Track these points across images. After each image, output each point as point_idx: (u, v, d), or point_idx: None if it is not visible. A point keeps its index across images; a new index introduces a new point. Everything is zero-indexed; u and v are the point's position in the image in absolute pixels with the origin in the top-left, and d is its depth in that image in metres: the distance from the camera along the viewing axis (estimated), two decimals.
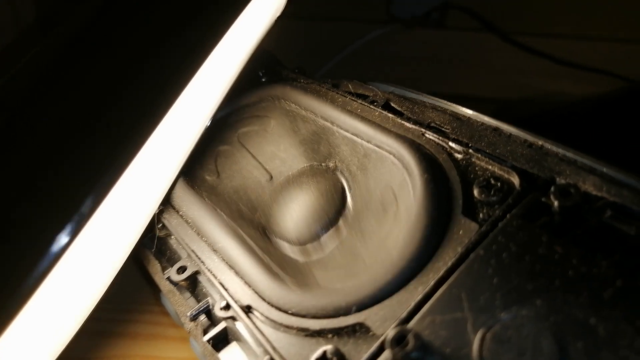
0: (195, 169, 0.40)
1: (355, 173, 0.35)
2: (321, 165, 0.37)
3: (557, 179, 0.27)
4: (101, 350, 0.40)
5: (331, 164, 0.37)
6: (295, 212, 0.35)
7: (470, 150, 0.30)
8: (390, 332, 0.20)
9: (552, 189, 0.24)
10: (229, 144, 0.42)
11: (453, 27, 0.70)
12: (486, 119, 0.33)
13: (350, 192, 0.35)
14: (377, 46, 0.67)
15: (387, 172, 0.32)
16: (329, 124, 0.36)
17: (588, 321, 0.19)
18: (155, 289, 0.36)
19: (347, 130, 0.35)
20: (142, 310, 0.42)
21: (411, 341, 0.20)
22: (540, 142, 0.30)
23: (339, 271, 0.31)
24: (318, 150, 0.38)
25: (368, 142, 0.33)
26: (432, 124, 0.33)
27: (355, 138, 0.34)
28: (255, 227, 0.35)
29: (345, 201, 0.35)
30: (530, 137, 0.30)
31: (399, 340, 0.20)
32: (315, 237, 0.33)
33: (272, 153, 0.40)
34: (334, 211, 0.34)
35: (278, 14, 0.43)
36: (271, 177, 0.39)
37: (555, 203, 0.24)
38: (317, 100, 0.37)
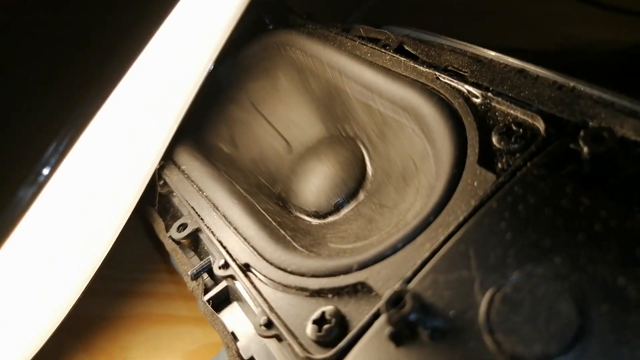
0: (207, 133, 0.38)
1: (374, 140, 0.33)
2: (341, 134, 0.35)
3: (590, 123, 0.23)
4: (117, 308, 0.40)
5: (351, 133, 0.34)
6: (315, 185, 0.33)
7: (490, 94, 0.26)
8: (386, 293, 0.18)
9: (582, 133, 0.21)
10: (240, 105, 0.39)
11: None
12: (510, 60, 0.30)
13: (370, 161, 0.33)
14: None
15: (408, 140, 0.30)
16: (338, 75, 0.33)
17: (616, 281, 0.16)
18: (162, 248, 0.35)
19: (357, 81, 0.32)
20: (157, 269, 0.42)
21: (408, 302, 0.17)
22: (572, 84, 0.26)
23: (356, 239, 0.29)
24: (334, 112, 0.35)
25: (380, 97, 0.30)
26: (449, 67, 0.30)
27: (367, 93, 0.32)
28: (275, 200, 0.33)
29: (366, 171, 0.32)
30: (560, 79, 0.27)
31: (396, 301, 0.18)
32: (335, 210, 0.32)
33: (287, 119, 0.38)
34: (354, 183, 0.32)
35: None
36: (288, 144, 0.37)
37: (585, 149, 0.20)
38: (324, 45, 0.34)
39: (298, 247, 0.27)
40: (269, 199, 0.33)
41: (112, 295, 0.40)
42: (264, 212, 0.30)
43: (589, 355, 0.15)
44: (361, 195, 0.31)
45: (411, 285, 0.20)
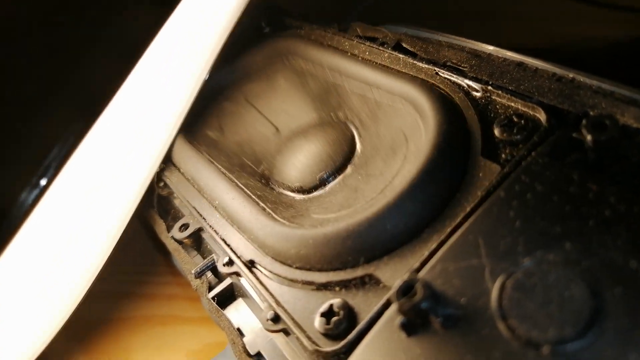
0: (198, 127, 0.38)
1: (365, 121, 0.33)
2: (332, 119, 0.35)
3: (591, 112, 0.23)
4: (119, 310, 0.40)
5: (340, 114, 0.34)
6: (301, 161, 0.33)
7: (490, 88, 0.27)
8: (397, 283, 0.18)
9: (584, 122, 0.21)
10: (234, 102, 0.39)
11: None
12: (509, 54, 0.30)
13: (360, 139, 0.32)
14: None
15: (399, 117, 0.30)
16: (337, 74, 0.34)
17: (628, 264, 0.16)
18: (164, 250, 0.35)
19: (354, 78, 0.32)
20: (159, 272, 0.42)
21: (419, 291, 0.18)
22: (571, 75, 0.26)
23: (340, 208, 0.29)
24: (327, 102, 0.35)
25: (377, 88, 0.31)
26: (448, 63, 0.30)
27: (364, 86, 0.32)
28: (257, 178, 0.33)
29: (355, 149, 0.32)
30: (559, 70, 0.27)
31: (406, 290, 0.18)
32: (321, 184, 0.31)
33: (279, 108, 0.38)
34: (341, 158, 0.32)
35: None
36: (277, 130, 0.37)
37: (588, 137, 0.21)
38: (323, 50, 0.35)
39: (279, 219, 0.27)
40: (250, 176, 0.33)
41: (113, 298, 0.40)
42: (242, 187, 0.30)
43: (605, 338, 0.15)
44: (348, 169, 0.31)
45: (421, 274, 0.20)
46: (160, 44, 0.31)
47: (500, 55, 0.30)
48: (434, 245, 0.22)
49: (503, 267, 0.18)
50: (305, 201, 0.31)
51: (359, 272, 0.23)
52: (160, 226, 0.34)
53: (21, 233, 0.24)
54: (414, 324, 0.19)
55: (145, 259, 0.41)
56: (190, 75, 0.36)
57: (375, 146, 0.31)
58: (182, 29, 0.35)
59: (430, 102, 0.27)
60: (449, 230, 0.22)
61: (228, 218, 0.30)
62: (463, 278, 0.19)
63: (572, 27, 0.53)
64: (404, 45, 0.33)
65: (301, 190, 0.32)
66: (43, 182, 0.23)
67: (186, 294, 0.39)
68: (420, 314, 0.18)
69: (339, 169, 0.31)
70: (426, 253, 0.22)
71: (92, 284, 0.33)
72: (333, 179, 0.31)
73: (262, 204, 0.29)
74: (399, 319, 0.19)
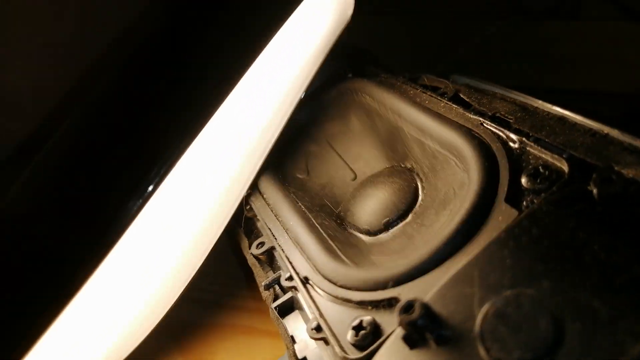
0: (287, 166, 0.44)
1: (427, 174, 0.36)
2: (400, 166, 0.39)
3: (615, 167, 0.25)
4: (208, 317, 0.46)
5: (409, 165, 0.38)
6: (370, 206, 0.37)
7: (525, 139, 0.29)
8: (401, 302, 0.22)
9: (594, 175, 0.23)
10: (317, 142, 0.45)
11: (586, 17, 0.63)
12: (555, 108, 0.32)
13: (422, 190, 0.36)
14: (500, 42, 0.64)
15: (452, 172, 0.33)
16: (397, 117, 0.38)
17: (591, 304, 0.19)
18: (246, 265, 0.41)
19: (411, 123, 0.36)
20: (242, 286, 0.48)
21: (417, 310, 0.21)
22: (605, 131, 0.28)
23: (394, 253, 0.33)
24: (396, 149, 0.40)
25: (430, 135, 0.35)
26: (497, 114, 0.33)
27: (421, 137, 0.36)
28: (334, 219, 0.38)
29: (417, 198, 0.36)
30: (596, 126, 0.29)
31: (407, 308, 0.22)
32: (385, 228, 0.35)
33: (356, 153, 0.43)
34: (405, 207, 0.36)
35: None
36: (355, 176, 0.42)
37: (594, 190, 0.23)
38: (389, 92, 0.39)
39: (344, 258, 0.32)
40: (327, 216, 0.37)
41: (204, 305, 0.47)
42: (318, 226, 0.35)
43: None
44: (409, 217, 0.35)
45: (426, 297, 0.23)
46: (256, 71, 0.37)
47: (545, 109, 0.32)
48: (449, 277, 0.25)
49: (489, 296, 0.21)
50: (369, 243, 0.35)
51: (387, 294, 0.27)
52: (244, 243, 0.41)
53: (125, 238, 0.31)
54: (414, 339, 0.22)
55: (230, 274, 0.47)
56: (281, 110, 0.42)
57: (433, 198, 0.34)
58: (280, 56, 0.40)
59: (472, 153, 0.30)
60: (462, 264, 0.25)
61: (293, 239, 0.35)
62: (457, 303, 0.22)
63: None
64: (461, 95, 0.37)
65: (368, 233, 0.36)
66: (150, 188, 0.30)
67: (263, 308, 0.45)
68: (417, 329, 0.22)
69: (401, 216, 0.35)
70: (442, 283, 0.25)
71: (186, 289, 0.40)
72: (396, 225, 0.35)
73: (331, 242, 0.34)
74: (401, 332, 0.22)
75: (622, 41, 0.57)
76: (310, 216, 0.37)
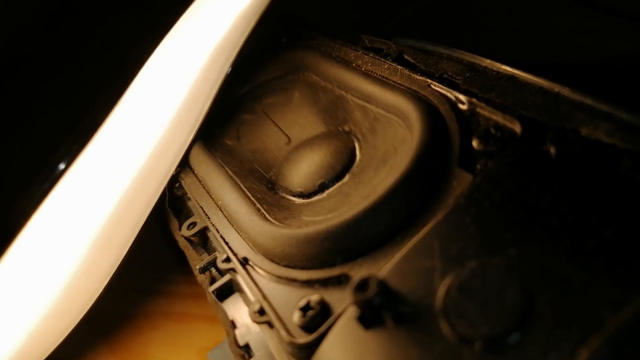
0: (217, 135, 0.41)
1: (366, 134, 0.34)
2: (338, 130, 0.37)
3: (566, 126, 0.24)
4: (136, 305, 0.43)
5: (347, 128, 0.36)
6: (304, 168, 0.35)
7: (474, 100, 0.28)
8: (354, 279, 0.20)
9: (550, 134, 0.22)
10: (252, 112, 0.42)
11: None
12: (503, 67, 0.31)
13: (360, 150, 0.34)
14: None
15: (393, 131, 0.31)
16: (342, 88, 0.36)
17: (563, 271, 0.17)
18: (177, 247, 0.37)
19: (356, 90, 0.34)
20: (172, 270, 0.44)
21: (372, 286, 0.19)
22: (556, 89, 0.27)
23: (329, 212, 0.30)
24: (335, 115, 0.37)
25: (375, 100, 0.32)
26: (445, 75, 0.31)
27: (365, 103, 0.34)
28: (264, 183, 0.35)
29: (354, 159, 0.34)
30: (547, 84, 0.28)
31: (362, 286, 0.19)
32: (320, 190, 0.33)
33: (292, 120, 0.40)
34: (341, 168, 0.33)
35: None
36: (289, 141, 0.39)
37: (552, 149, 0.22)
38: (331, 64, 0.37)
39: (270, 219, 0.30)
40: (257, 180, 0.35)
41: (133, 294, 0.43)
42: (245, 189, 0.32)
43: (531, 337, 0.16)
44: (346, 178, 0.32)
45: (381, 273, 0.21)
46: (171, 44, 0.34)
47: (494, 68, 0.31)
48: (403, 249, 0.23)
49: (451, 269, 0.19)
50: (302, 205, 0.32)
51: (335, 271, 0.25)
52: (173, 224, 0.37)
53: (34, 224, 0.27)
54: (369, 319, 0.20)
55: (159, 257, 0.44)
56: (208, 82, 0.39)
57: (371, 157, 0.32)
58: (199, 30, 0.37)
59: (416, 114, 0.28)
60: (419, 234, 0.23)
61: (229, 218, 0.32)
62: (416, 278, 0.20)
63: (596, 39, 0.52)
64: (406, 57, 0.35)
65: (301, 195, 0.33)
66: (62, 166, 0.26)
67: (197, 292, 0.42)
68: (373, 308, 0.20)
69: (337, 177, 0.33)
70: (395, 256, 0.23)
71: (115, 280, 0.36)
72: (332, 186, 0.33)
73: (258, 205, 0.31)
74: (356, 312, 0.20)
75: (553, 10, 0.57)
76: (237, 180, 0.34)
